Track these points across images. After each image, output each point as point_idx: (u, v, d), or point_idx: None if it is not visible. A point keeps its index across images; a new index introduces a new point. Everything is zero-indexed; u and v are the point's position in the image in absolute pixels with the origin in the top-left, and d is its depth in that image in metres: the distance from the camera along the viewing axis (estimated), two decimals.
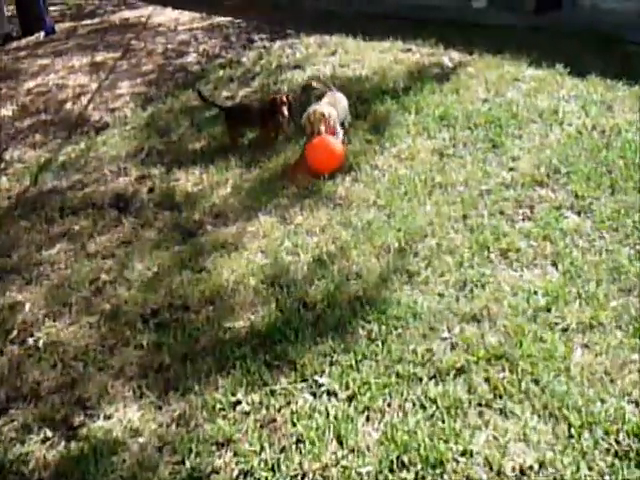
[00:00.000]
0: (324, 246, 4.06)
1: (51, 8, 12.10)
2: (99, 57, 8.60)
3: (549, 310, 3.25)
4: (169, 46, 9.01)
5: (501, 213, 4.13)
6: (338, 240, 4.11)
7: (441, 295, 3.52)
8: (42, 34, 11.13)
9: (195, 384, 3.15)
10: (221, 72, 7.68)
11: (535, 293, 3.39)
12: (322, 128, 4.92)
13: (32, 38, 10.81)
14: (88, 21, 11.73)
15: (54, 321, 3.76)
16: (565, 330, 3.12)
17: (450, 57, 7.01)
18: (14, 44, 10.85)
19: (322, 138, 4.93)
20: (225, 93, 6.92)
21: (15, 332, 3.72)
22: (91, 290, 3.96)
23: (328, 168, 4.83)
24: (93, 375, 3.31)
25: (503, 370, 2.94)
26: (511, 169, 4.64)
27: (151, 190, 5.04)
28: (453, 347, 3.16)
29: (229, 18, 10.55)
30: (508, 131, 5.13)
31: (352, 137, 5.35)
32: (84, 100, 7.23)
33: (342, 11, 10.63)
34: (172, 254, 4.22)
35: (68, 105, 7.16)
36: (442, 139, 5.19)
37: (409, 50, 7.47)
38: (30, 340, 3.64)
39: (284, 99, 5.42)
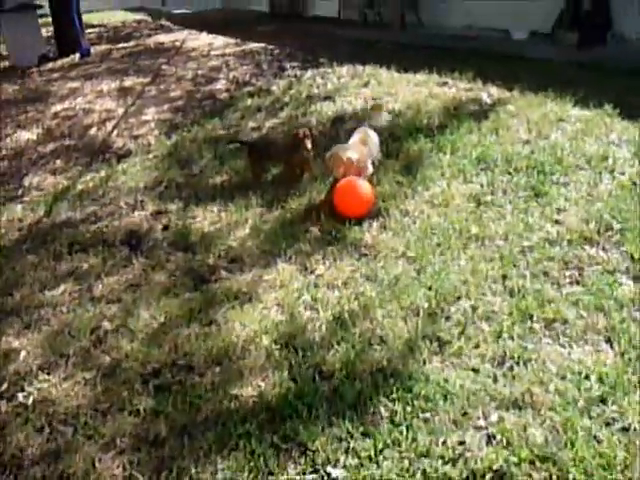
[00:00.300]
0: (346, 303, 3.66)
1: (89, 30, 12.20)
2: (128, 82, 8.47)
3: (604, 402, 2.77)
4: (199, 72, 8.84)
5: (545, 274, 3.68)
6: (362, 296, 3.70)
7: (476, 371, 3.08)
8: (77, 56, 11.17)
9: (192, 465, 2.75)
10: (249, 101, 7.43)
11: (587, 377, 2.91)
12: (341, 171, 4.60)
13: (68, 60, 10.86)
14: (124, 44, 11.75)
15: (48, 374, 3.41)
16: (625, 430, 2.63)
17: (489, 93, 6.61)
18: (49, 65, 10.90)
19: (350, 181, 4.56)
20: (252, 124, 6.64)
21: (6, 385, 3.40)
22: (91, 340, 3.62)
23: (356, 214, 4.46)
24: (81, 445, 2.93)
25: (550, 478, 2.49)
26: (556, 222, 4.18)
27: (166, 228, 4.73)
28: (490, 440, 2.69)
29: (262, 44, 10.40)
30: (552, 178, 4.68)
31: (382, 177, 4.97)
32: (109, 126, 7.06)
33: (377, 39, 10.37)
34: (181, 302, 3.87)
35: (93, 130, 6.99)
36: (479, 184, 4.78)
37: (445, 84, 7.11)
38: (20, 396, 3.29)
39: (307, 132, 5.13)
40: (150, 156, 6.30)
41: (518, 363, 3.06)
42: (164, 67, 9.20)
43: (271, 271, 4.09)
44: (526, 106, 6.06)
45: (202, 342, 3.49)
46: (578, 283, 3.58)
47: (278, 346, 3.41)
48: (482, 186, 4.72)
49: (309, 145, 5.07)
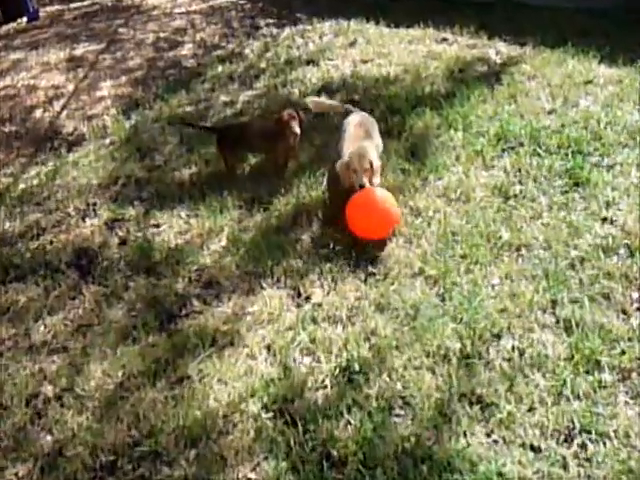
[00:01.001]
0: (354, 346, 2.81)
1: None
2: (80, 49, 7.23)
3: None
4: (162, 34, 7.62)
5: (606, 298, 2.86)
6: (373, 336, 2.86)
7: (537, 451, 2.30)
8: (24, 20, 9.82)
9: None
10: (220, 68, 6.32)
11: None
12: (365, 180, 3.46)
13: (12, 25, 9.50)
14: (77, 3, 10.34)
15: None
16: None
17: (497, 50, 5.66)
18: None
19: (370, 195, 3.43)
20: (223, 97, 5.59)
21: None
22: (28, 414, 2.79)
23: (375, 236, 3.43)
24: None
25: None
26: (606, 221, 3.33)
27: (123, 242, 3.76)
28: None
29: None
30: (592, 160, 3.80)
31: (383, 164, 4.10)
32: (57, 106, 5.94)
33: None
34: (144, 349, 2.99)
35: (38, 112, 5.83)
36: (503, 170, 3.88)
37: (445, 40, 6.07)
38: None
39: (293, 114, 4.14)
40: (106, 142, 5.25)
41: (592, 438, 2.29)
42: (121, 30, 7.95)
43: (256, 299, 3.21)
44: (543, 65, 5.10)
45: (171, 411, 2.65)
46: None
47: (270, 414, 2.57)
48: (507, 173, 3.82)
49: (297, 129, 4.11)
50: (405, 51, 5.90)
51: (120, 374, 2.87)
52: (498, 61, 5.38)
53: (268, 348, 2.91)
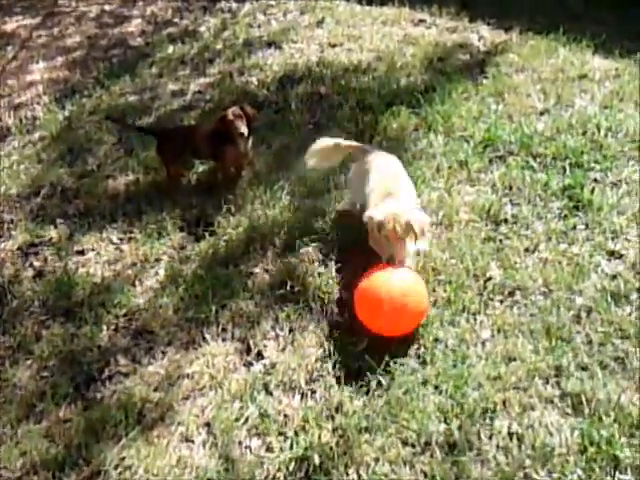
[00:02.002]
0: (314, 427, 2.20)
1: None
2: (11, 24, 6.32)
3: None
4: (106, 7, 6.72)
5: (621, 363, 2.36)
6: (338, 413, 2.28)
7: None
8: None
9: None
10: (170, 49, 5.49)
11: None
12: (395, 255, 2.57)
13: None
14: None
15: None
16: None
17: (480, 35, 5.03)
18: None
19: (379, 288, 2.50)
20: (172, 85, 4.84)
21: None
22: None
23: (386, 332, 2.54)
24: None
25: None
26: (613, 255, 2.81)
27: (39, 275, 3.07)
28: None
29: None
30: (592, 175, 3.25)
31: None
32: None
33: None
34: (52, 428, 2.32)
35: None
36: (491, 185, 3.27)
37: (422, 22, 5.36)
38: None
39: (238, 112, 3.36)
40: (35, 137, 4.45)
41: None
42: (61, 2, 7.05)
43: (196, 355, 2.61)
44: (532, 55, 4.48)
45: None
46: None
47: None
48: (496, 190, 3.22)
49: (244, 130, 3.36)
50: (378, 34, 5.19)
51: (19, 465, 2.26)
52: (482, 48, 4.74)
53: (208, 426, 2.33)
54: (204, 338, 2.66)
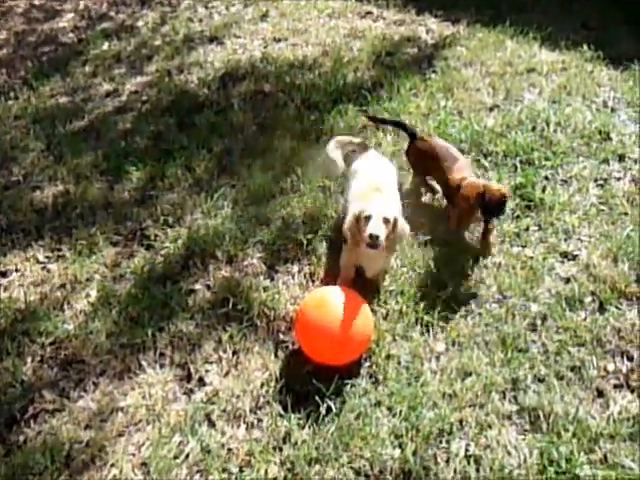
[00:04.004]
0: (260, 462, 2.01)
1: None
2: None
3: None
4: (36, 1, 6.32)
5: (577, 373, 2.23)
6: (286, 443, 2.10)
7: None
8: None
9: None
10: (105, 45, 5.16)
11: None
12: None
13: None
14: None
15: None
16: None
17: (428, 28, 4.92)
18: None
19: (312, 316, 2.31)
20: (106, 85, 4.52)
21: None
22: None
23: (329, 362, 2.32)
24: None
25: None
26: (566, 256, 2.73)
27: None
28: None
29: None
30: (544, 173, 3.15)
31: (303, 183, 3.22)
32: None
33: None
34: None
35: None
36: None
37: (369, 14, 5.20)
38: None
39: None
40: None
41: None
42: None
43: (131, 385, 2.38)
44: (481, 48, 4.36)
45: None
46: (633, 391, 2.24)
47: None
48: None
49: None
50: (324, 28, 5.01)
51: None
52: (430, 41, 4.62)
53: (144, 466, 2.13)
54: (140, 365, 2.44)
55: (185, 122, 3.90)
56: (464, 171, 2.76)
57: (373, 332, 2.33)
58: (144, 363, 2.44)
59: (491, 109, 3.70)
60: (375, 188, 2.61)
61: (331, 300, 2.32)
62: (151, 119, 4.01)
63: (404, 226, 2.48)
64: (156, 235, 3.01)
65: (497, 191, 2.59)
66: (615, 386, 2.16)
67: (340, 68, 4.26)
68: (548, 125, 3.44)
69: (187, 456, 2.11)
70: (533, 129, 3.44)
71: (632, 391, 2.14)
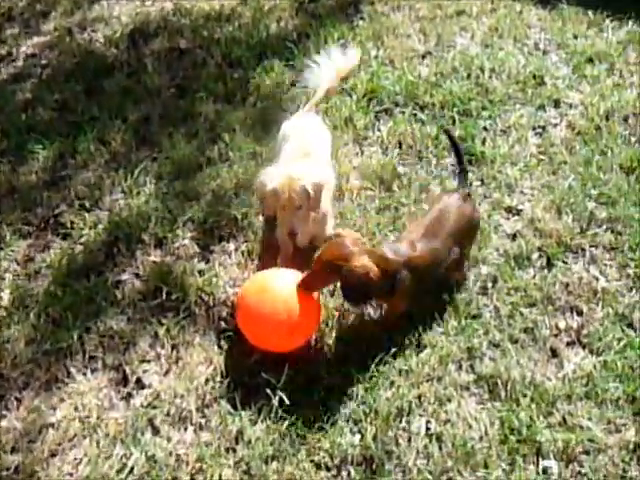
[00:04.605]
0: (212, 466, 1.88)
1: None
2: None
3: None
4: None
5: (530, 334, 2.15)
6: (239, 443, 1.94)
7: None
8: None
9: None
10: None
11: None
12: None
13: None
14: None
15: None
16: None
17: None
18: None
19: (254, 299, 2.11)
20: None
21: None
22: None
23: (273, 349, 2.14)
24: None
25: None
26: (510, 211, 2.61)
27: None
28: None
29: None
30: (482, 124, 3.01)
31: (231, 150, 2.95)
32: None
33: None
34: None
35: None
36: (379, 144, 2.92)
37: None
38: None
39: None
40: None
41: None
42: None
43: (60, 396, 2.13)
44: None
45: None
46: (584, 347, 2.19)
47: None
48: (385, 149, 2.89)
49: None
50: None
51: None
52: None
53: None
54: (69, 373, 2.17)
55: (93, 88, 3.48)
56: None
57: (320, 313, 2.19)
58: (73, 370, 2.18)
59: (424, 56, 3.49)
60: (304, 153, 2.37)
61: (273, 282, 2.14)
62: (54, 86, 3.55)
63: (317, 184, 2.21)
64: (72, 222, 2.68)
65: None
66: (568, 344, 2.13)
67: (261, 18, 3.89)
68: (483, 72, 3.28)
69: (132, 469, 1.91)
70: (468, 77, 3.27)
71: (584, 347, 2.11)
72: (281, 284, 2.10)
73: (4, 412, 2.09)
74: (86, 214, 2.70)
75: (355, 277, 1.95)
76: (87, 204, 2.74)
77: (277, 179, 2.20)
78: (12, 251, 2.58)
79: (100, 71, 3.58)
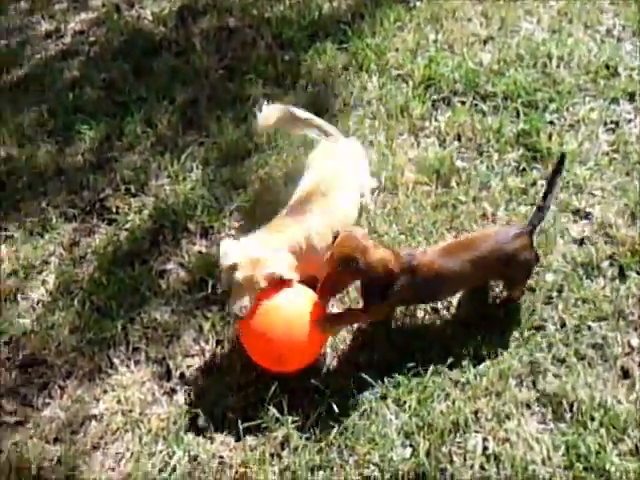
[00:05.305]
0: (262, 476, 1.84)
1: None
2: None
3: None
4: None
5: (599, 350, 1.99)
6: (285, 450, 1.91)
7: None
8: None
9: None
10: None
11: None
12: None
13: None
14: None
15: None
16: None
17: None
18: None
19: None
20: (46, 25, 3.87)
21: None
22: None
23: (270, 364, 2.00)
24: None
25: None
26: (578, 214, 2.40)
27: None
28: None
29: None
30: (548, 117, 2.82)
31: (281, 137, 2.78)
32: None
33: None
34: None
35: None
36: (437, 135, 2.76)
37: None
38: None
39: None
40: None
41: None
42: None
43: (103, 387, 2.08)
44: None
45: None
46: None
47: None
48: (443, 141, 2.73)
49: None
50: None
51: None
52: None
53: None
54: (112, 364, 2.14)
55: (141, 67, 3.39)
56: None
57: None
58: (116, 361, 2.14)
59: (485, 42, 3.26)
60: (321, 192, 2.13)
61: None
62: (101, 65, 3.48)
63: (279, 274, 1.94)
64: (118, 206, 2.62)
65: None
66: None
67: None
68: (550, 60, 3.04)
69: (174, 468, 1.86)
70: (534, 65, 3.04)
71: None
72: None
73: (47, 400, 2.08)
74: (131, 199, 2.64)
75: (375, 270, 1.83)
76: (133, 189, 2.67)
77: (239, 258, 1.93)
78: (58, 234, 2.54)
79: (148, 50, 3.49)
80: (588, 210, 2.43)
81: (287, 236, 2.02)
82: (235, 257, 1.93)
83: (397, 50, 3.23)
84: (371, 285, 1.90)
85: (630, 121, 2.79)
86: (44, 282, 2.39)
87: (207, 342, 2.17)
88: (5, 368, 2.16)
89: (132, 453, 1.92)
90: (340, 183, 2.20)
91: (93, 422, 2.00)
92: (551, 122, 2.79)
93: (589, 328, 2.05)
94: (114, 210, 2.61)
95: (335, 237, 1.95)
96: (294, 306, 1.92)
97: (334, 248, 1.90)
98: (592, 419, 1.83)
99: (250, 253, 1.93)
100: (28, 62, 3.56)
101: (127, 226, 2.55)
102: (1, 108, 3.18)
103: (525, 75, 3.00)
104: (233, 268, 1.92)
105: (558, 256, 2.25)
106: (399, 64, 3.15)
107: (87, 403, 2.03)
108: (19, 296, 2.34)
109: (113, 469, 1.90)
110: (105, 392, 2.06)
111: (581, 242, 2.33)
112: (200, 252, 2.44)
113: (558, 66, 3.05)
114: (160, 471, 1.87)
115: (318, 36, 3.41)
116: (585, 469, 1.74)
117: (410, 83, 3.04)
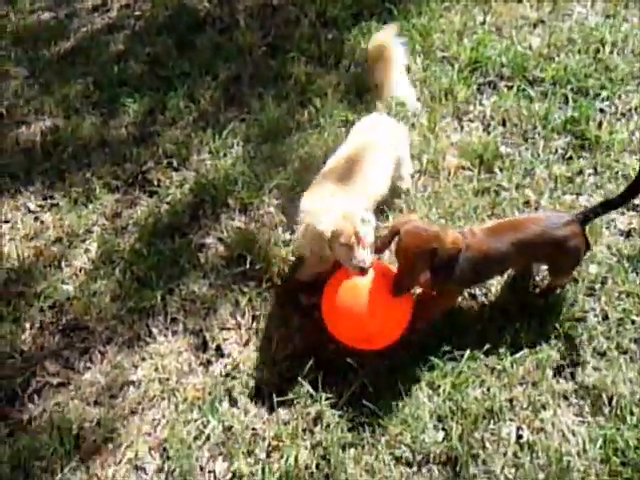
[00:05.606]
0: (294, 447, 1.89)
1: None
2: None
3: None
4: None
5: None
6: (317, 426, 1.90)
7: None
8: None
9: None
10: None
11: None
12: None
13: None
14: None
15: None
16: None
17: None
18: None
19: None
20: None
21: None
22: None
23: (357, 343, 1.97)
24: None
25: None
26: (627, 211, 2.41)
27: None
28: None
29: None
30: (599, 105, 2.72)
31: (322, 116, 2.79)
32: None
33: None
34: None
35: None
36: (481, 120, 2.72)
37: None
38: None
39: None
40: None
41: None
42: None
43: (142, 355, 2.12)
44: None
45: None
46: None
47: None
48: (487, 126, 2.69)
49: None
50: None
51: None
52: None
53: (162, 448, 1.95)
54: (150, 333, 2.18)
55: (185, 43, 3.40)
56: None
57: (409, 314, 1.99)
58: (154, 330, 2.19)
59: (535, 25, 3.18)
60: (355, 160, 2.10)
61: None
62: (146, 39, 3.50)
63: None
64: (159, 180, 2.66)
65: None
66: None
67: None
68: (603, 46, 2.94)
69: (208, 437, 1.91)
70: (586, 50, 2.95)
71: None
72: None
73: (88, 364, 2.13)
74: (173, 173, 2.67)
75: (452, 254, 1.81)
76: (175, 162, 2.69)
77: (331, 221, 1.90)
78: (101, 205, 2.59)
79: (192, 25, 3.49)
80: (636, 202, 2.36)
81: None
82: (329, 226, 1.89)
83: (443, 31, 3.17)
84: (444, 267, 1.85)
85: None
86: (87, 250, 2.45)
87: (243, 316, 2.19)
88: (49, 332, 2.23)
89: (168, 420, 1.97)
90: (374, 157, 2.16)
91: (131, 388, 2.06)
92: (601, 110, 2.70)
93: (632, 322, 2.00)
94: (156, 183, 2.65)
95: (393, 234, 1.89)
96: (380, 287, 1.88)
97: (404, 244, 1.82)
98: (632, 414, 1.80)
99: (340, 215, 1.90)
100: (75, 35, 3.61)
101: (168, 199, 2.58)
102: (48, 79, 3.25)
103: (576, 61, 2.90)
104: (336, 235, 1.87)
105: (603, 247, 2.20)
106: (445, 46, 3.09)
107: (126, 369, 2.09)
108: (63, 263, 2.41)
109: (149, 434, 1.96)
110: (143, 360, 2.12)
111: (628, 234, 2.26)
112: (239, 228, 2.45)
113: (611, 52, 2.95)
114: (195, 439, 1.91)
115: (363, 15, 3.37)
116: (622, 464, 1.71)
117: (455, 66, 2.98)
